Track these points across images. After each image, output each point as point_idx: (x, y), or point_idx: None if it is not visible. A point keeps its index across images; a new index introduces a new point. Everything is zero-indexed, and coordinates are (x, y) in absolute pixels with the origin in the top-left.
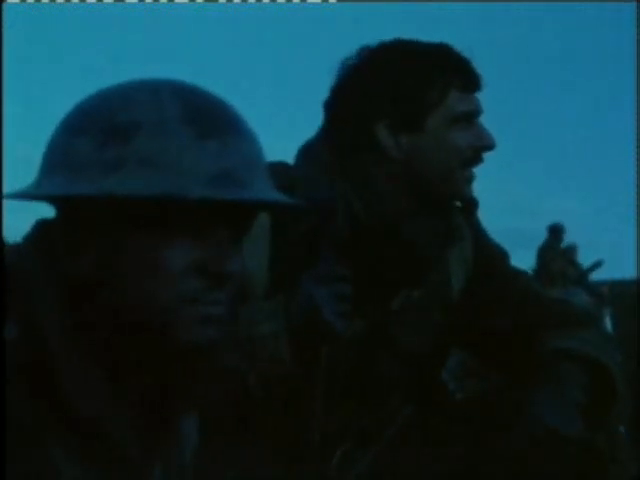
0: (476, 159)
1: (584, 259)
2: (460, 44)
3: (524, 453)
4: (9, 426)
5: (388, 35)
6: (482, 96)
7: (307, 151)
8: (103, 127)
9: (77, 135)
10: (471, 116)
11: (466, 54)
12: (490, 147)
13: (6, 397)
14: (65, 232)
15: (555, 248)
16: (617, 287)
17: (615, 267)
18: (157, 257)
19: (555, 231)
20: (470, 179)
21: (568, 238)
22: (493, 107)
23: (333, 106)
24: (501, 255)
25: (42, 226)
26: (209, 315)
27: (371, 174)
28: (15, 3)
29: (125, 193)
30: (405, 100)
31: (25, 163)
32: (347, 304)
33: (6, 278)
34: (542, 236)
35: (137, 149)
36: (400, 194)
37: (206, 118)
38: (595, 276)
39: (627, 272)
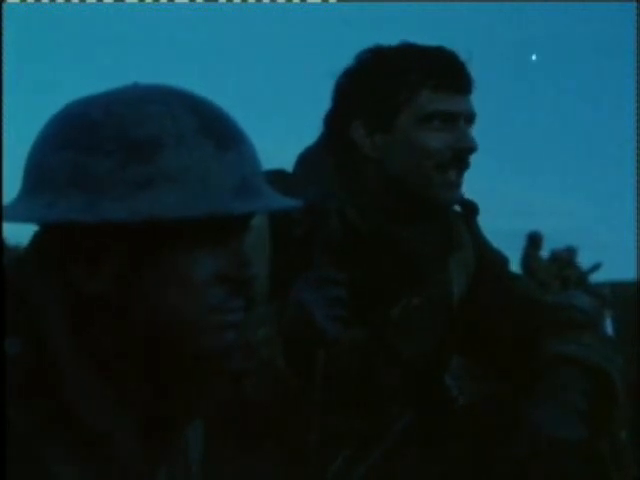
0: (454, 162)
1: (585, 260)
2: (460, 44)
3: (525, 462)
4: (9, 441)
5: (388, 35)
6: (482, 97)
7: (305, 156)
8: (121, 145)
9: (87, 152)
10: (450, 117)
11: (462, 56)
12: (468, 150)
13: (6, 413)
14: (80, 248)
15: (534, 256)
16: (618, 289)
17: (616, 269)
18: (182, 270)
19: (534, 239)
20: (450, 183)
21: (567, 240)
22: (493, 107)
23: (327, 112)
24: (501, 261)
25: (43, 238)
26: (229, 322)
27: (357, 176)
28: (15, 3)
29: (171, 215)
30: (375, 99)
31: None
32: (341, 308)
33: (7, 291)
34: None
35: (162, 166)
36: (382, 196)
37: (219, 128)
38: (596, 278)
39: (628, 274)
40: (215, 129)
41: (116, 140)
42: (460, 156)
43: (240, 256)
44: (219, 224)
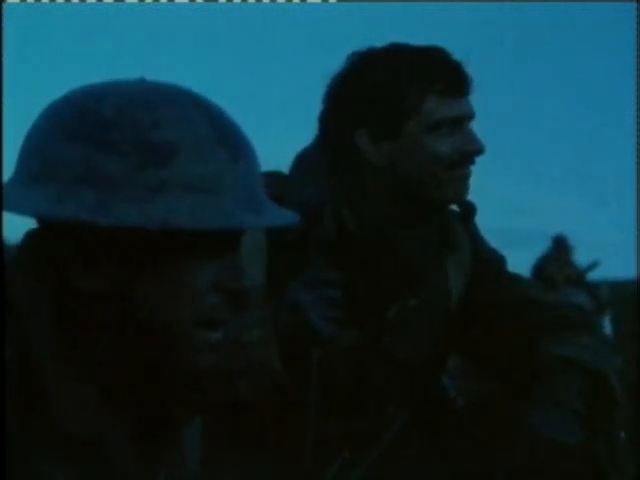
0: (463, 162)
1: (583, 258)
2: (458, 45)
3: (523, 464)
4: (8, 445)
5: (388, 35)
6: (480, 95)
7: (301, 158)
8: (136, 146)
9: (100, 149)
10: (456, 121)
11: (459, 57)
12: (476, 152)
13: (5, 416)
14: (81, 244)
15: (556, 259)
16: (617, 287)
17: (615, 267)
18: (181, 279)
19: (558, 242)
20: (459, 177)
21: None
22: (491, 106)
23: (322, 114)
24: (499, 261)
25: (35, 237)
26: (217, 341)
27: (358, 183)
28: (15, 3)
29: (185, 225)
30: (381, 108)
31: None
32: (336, 309)
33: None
34: (539, 236)
35: (177, 171)
36: (387, 202)
37: (232, 137)
38: (594, 276)
39: (627, 272)
40: (228, 138)
41: (131, 141)
42: (468, 158)
43: (237, 266)
44: (223, 234)
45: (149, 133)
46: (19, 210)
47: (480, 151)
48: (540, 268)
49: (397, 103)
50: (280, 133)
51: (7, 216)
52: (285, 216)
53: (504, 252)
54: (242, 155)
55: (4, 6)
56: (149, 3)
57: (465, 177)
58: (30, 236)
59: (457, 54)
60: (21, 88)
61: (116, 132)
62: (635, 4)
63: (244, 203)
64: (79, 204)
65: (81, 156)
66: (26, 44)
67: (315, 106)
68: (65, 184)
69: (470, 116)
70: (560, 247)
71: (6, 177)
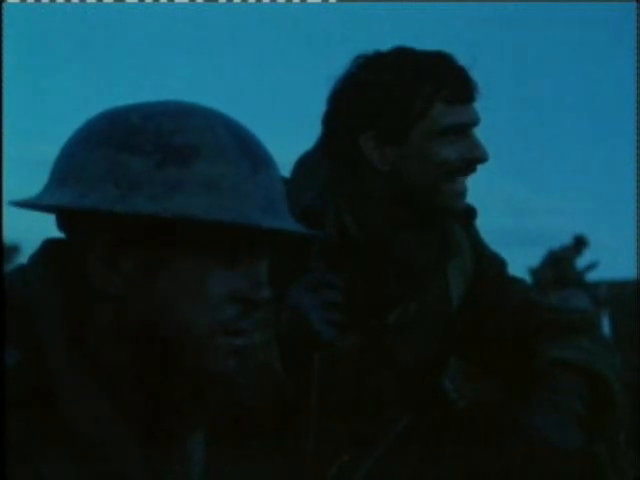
0: (463, 170)
1: (583, 258)
2: (460, 46)
3: (522, 466)
4: (9, 450)
5: (388, 36)
6: (481, 96)
7: (303, 161)
8: (159, 147)
9: (123, 150)
10: (461, 128)
11: (464, 62)
12: (480, 160)
13: (6, 423)
14: (102, 243)
15: (571, 258)
16: (616, 287)
17: (614, 267)
18: (199, 284)
19: (579, 241)
20: (459, 193)
21: (567, 239)
22: (492, 106)
23: (326, 117)
24: (500, 265)
25: (53, 245)
26: (235, 347)
27: (360, 187)
28: (15, 3)
29: (201, 216)
30: (388, 112)
31: (25, 164)
32: (337, 312)
33: (9, 301)
34: (537, 235)
35: (198, 172)
36: (389, 207)
37: (254, 150)
38: (593, 276)
39: (626, 272)
40: (250, 149)
41: (154, 142)
42: (471, 166)
43: (257, 277)
44: (242, 240)
45: (172, 136)
46: (40, 206)
47: (484, 159)
48: (558, 261)
49: (405, 108)
50: (279, 135)
51: (7, 216)
52: (304, 229)
53: (504, 253)
54: (263, 167)
55: (4, 6)
56: (149, 3)
57: (463, 193)
58: (48, 243)
59: (461, 58)
60: (21, 88)
61: (140, 136)
62: (635, 4)
63: (262, 209)
64: (100, 197)
65: (106, 157)
66: (26, 44)
67: (315, 108)
68: (89, 183)
69: (475, 122)
70: (580, 246)
71: (6, 177)
